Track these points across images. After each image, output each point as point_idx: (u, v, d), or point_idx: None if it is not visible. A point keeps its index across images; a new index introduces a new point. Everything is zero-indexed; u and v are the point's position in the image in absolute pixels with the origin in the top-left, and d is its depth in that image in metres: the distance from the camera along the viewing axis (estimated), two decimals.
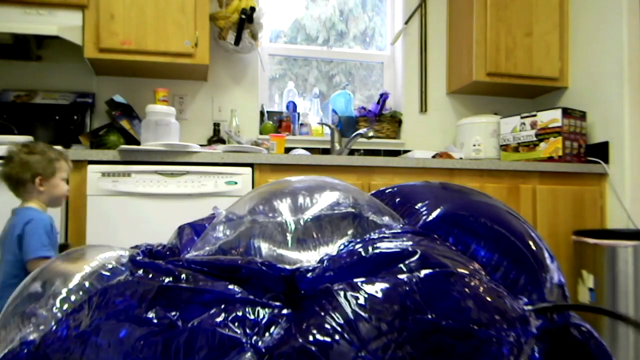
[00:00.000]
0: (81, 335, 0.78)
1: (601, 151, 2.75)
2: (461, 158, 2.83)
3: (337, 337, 0.63)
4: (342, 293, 0.68)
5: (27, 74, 2.73)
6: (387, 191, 1.07)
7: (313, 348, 0.63)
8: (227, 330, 0.67)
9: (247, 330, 0.68)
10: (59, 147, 1.86)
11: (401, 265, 0.73)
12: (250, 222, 0.89)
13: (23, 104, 2.68)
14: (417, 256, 0.74)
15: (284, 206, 0.89)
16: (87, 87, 2.79)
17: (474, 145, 2.96)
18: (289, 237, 0.84)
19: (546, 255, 0.86)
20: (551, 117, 2.74)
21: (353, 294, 0.68)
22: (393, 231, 0.85)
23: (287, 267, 0.77)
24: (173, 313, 0.71)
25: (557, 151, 2.70)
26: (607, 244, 2.36)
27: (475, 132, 2.99)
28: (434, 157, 2.78)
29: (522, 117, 2.86)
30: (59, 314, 0.87)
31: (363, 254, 0.77)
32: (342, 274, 0.74)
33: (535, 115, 2.81)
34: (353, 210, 0.88)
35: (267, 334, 0.68)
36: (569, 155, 2.72)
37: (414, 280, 0.70)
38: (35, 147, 1.74)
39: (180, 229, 1.13)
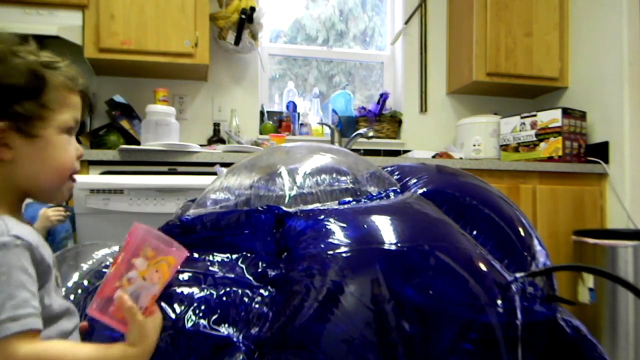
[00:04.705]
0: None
1: (601, 151, 2.75)
2: (461, 158, 2.83)
3: (323, 321, 0.63)
4: (320, 270, 0.67)
5: None
6: (386, 169, 1.09)
7: (303, 339, 0.63)
8: (215, 331, 0.67)
9: (235, 326, 0.68)
10: None
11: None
12: (249, 194, 0.89)
13: None
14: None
15: (283, 181, 0.90)
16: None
17: (474, 145, 2.96)
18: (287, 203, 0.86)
19: (535, 242, 0.87)
20: (551, 117, 2.74)
21: (332, 268, 0.68)
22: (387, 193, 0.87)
23: (283, 208, 0.79)
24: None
25: (557, 151, 2.70)
26: (607, 244, 2.36)
27: (475, 132, 2.99)
28: (434, 157, 2.78)
29: (522, 117, 2.85)
30: None
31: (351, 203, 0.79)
32: (326, 215, 0.75)
33: (535, 115, 2.81)
34: (352, 186, 0.89)
35: (255, 327, 0.67)
36: (569, 155, 2.72)
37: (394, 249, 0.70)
38: None
39: (184, 205, 1.14)
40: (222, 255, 0.77)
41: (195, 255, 0.78)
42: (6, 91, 0.74)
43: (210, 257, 0.78)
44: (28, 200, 1.77)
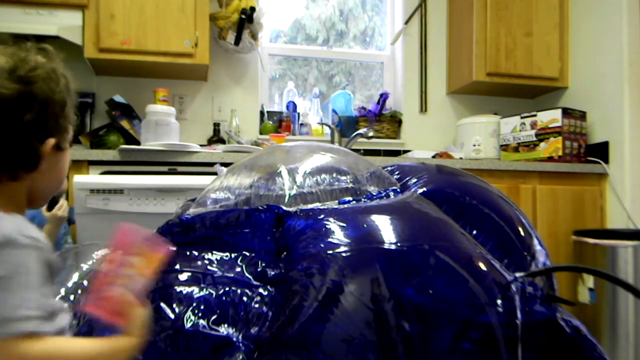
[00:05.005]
0: (77, 335, 0.77)
1: (601, 151, 2.75)
2: (461, 158, 2.83)
3: (323, 320, 0.63)
4: (320, 269, 0.67)
5: None
6: (386, 169, 1.09)
7: (303, 339, 0.62)
8: (214, 331, 0.67)
9: (235, 326, 0.67)
10: None
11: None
12: (249, 194, 0.89)
13: None
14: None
15: (283, 180, 0.89)
16: (87, 87, 2.79)
17: (474, 145, 2.96)
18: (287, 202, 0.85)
19: (535, 242, 0.87)
20: (551, 117, 2.74)
21: (330, 267, 0.67)
22: (386, 192, 0.87)
23: (283, 207, 0.79)
24: (155, 302, 0.71)
25: (557, 151, 2.70)
26: (607, 244, 2.35)
27: (475, 132, 2.99)
28: (434, 157, 2.78)
29: (522, 117, 2.85)
30: None
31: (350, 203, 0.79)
32: (326, 214, 0.75)
33: (535, 115, 2.81)
34: (352, 185, 0.89)
35: (254, 327, 0.67)
36: (569, 155, 2.72)
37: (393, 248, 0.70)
38: None
39: (184, 204, 1.14)
40: (222, 254, 0.77)
41: (195, 253, 0.78)
42: (56, 107, 0.77)
43: (210, 256, 0.77)
44: None
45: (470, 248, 0.73)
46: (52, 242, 1.62)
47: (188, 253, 0.77)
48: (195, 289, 0.71)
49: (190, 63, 2.61)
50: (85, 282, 0.96)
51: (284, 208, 0.80)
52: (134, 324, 0.68)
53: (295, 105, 3.09)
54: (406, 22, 3.21)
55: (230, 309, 0.70)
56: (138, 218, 1.86)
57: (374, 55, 3.42)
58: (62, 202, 1.62)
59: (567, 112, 2.73)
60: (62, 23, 2.42)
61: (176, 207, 1.92)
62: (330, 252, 0.69)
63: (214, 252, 0.78)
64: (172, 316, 0.70)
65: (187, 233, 0.82)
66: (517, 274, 0.73)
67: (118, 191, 1.89)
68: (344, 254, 0.69)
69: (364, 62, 3.42)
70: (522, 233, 0.86)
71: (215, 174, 2.19)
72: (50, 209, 1.60)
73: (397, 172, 1.03)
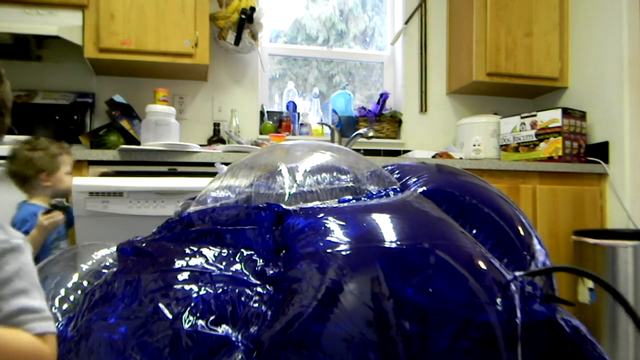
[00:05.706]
0: (76, 336, 0.77)
1: (601, 151, 2.75)
2: (461, 158, 2.83)
3: (323, 320, 0.62)
4: (319, 268, 0.67)
5: (27, 74, 2.73)
6: (387, 168, 1.09)
7: (303, 338, 0.62)
8: (213, 331, 0.66)
9: (234, 326, 0.67)
10: (61, 142, 1.86)
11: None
12: (249, 193, 0.89)
13: (23, 104, 2.68)
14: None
15: (283, 179, 0.89)
16: (87, 87, 2.79)
17: (474, 145, 2.96)
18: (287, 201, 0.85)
19: (535, 241, 0.87)
20: (551, 117, 2.74)
21: (329, 266, 0.67)
22: (386, 191, 0.87)
23: (282, 205, 0.79)
24: (153, 303, 0.70)
25: (557, 151, 2.70)
26: (607, 244, 2.35)
27: (475, 132, 2.99)
28: (434, 157, 2.78)
29: (522, 117, 2.85)
30: (58, 314, 0.87)
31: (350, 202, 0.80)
32: (326, 213, 0.75)
33: (535, 115, 2.81)
34: (353, 184, 0.89)
35: (253, 326, 0.67)
36: (569, 155, 2.72)
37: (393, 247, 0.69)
38: (38, 143, 1.75)
39: (184, 202, 1.14)
40: (220, 251, 0.77)
41: (194, 249, 0.78)
42: None
43: (208, 253, 0.77)
44: (21, 202, 1.77)
45: (470, 247, 0.73)
46: (36, 248, 1.60)
47: (187, 250, 0.77)
48: (194, 288, 0.71)
49: (190, 63, 2.61)
50: (85, 283, 0.95)
51: (284, 206, 0.80)
52: None
53: (295, 105, 3.09)
54: (406, 22, 3.21)
55: (229, 309, 0.69)
56: (137, 221, 1.87)
57: (374, 55, 3.42)
58: (55, 213, 1.62)
59: (567, 112, 2.73)
60: (62, 23, 2.43)
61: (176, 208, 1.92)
62: (329, 250, 0.69)
63: (213, 249, 0.77)
64: (170, 317, 0.69)
65: (186, 230, 0.82)
66: (517, 273, 0.73)
67: (117, 194, 1.88)
68: (343, 253, 0.68)
69: (364, 62, 3.42)
70: (522, 232, 0.86)
71: (215, 173, 2.18)
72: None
73: (397, 172, 1.03)
